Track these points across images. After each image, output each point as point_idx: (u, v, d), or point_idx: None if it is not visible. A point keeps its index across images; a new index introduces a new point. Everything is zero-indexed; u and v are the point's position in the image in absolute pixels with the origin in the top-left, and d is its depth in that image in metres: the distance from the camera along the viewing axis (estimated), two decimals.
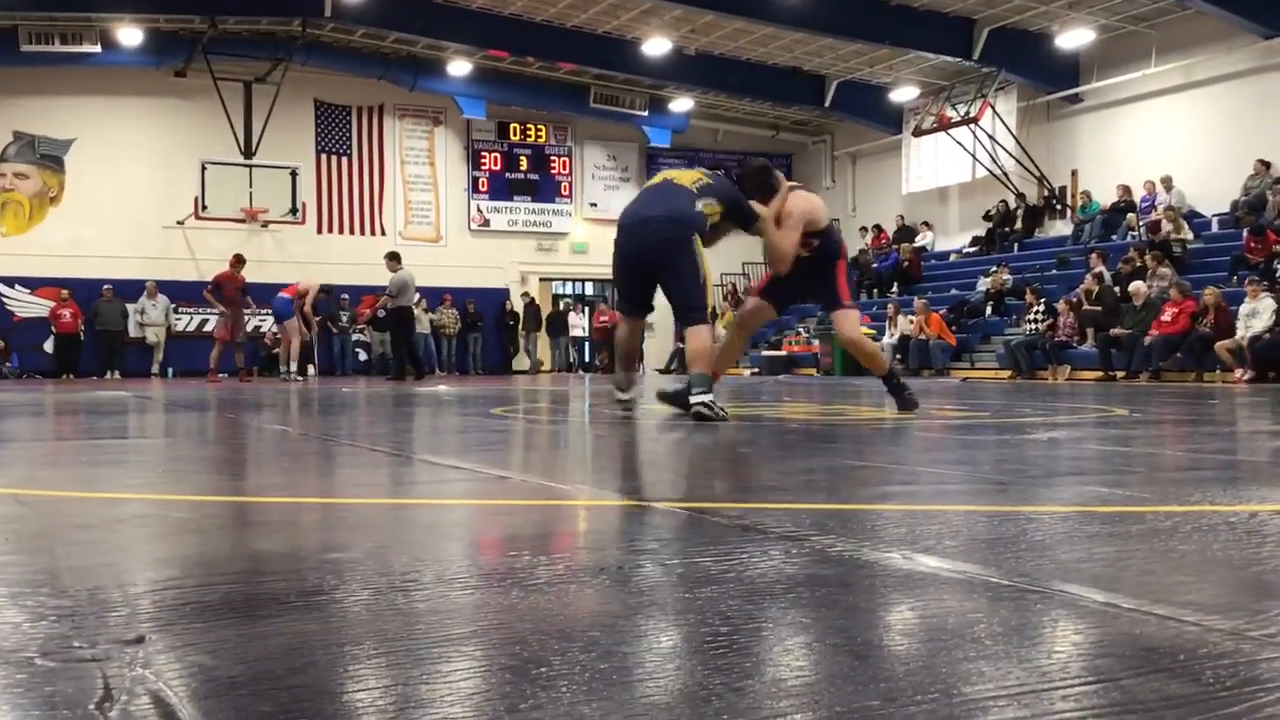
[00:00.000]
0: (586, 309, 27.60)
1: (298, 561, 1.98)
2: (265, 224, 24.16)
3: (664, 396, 6.64)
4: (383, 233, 25.27)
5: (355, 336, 24.11)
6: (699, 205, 6.29)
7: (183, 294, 22.74)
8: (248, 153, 23.03)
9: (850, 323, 6.93)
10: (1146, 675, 1.21)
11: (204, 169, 23.61)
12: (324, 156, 24.98)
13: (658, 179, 6.77)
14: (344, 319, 23.65)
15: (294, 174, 24.38)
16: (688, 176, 6.56)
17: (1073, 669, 1.26)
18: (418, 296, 24.95)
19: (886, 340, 19.21)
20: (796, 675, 1.25)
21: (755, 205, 6.54)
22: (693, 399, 6.13)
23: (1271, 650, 1.31)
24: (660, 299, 6.61)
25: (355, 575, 1.82)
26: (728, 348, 7.43)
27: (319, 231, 24.81)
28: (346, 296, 23.84)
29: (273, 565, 1.96)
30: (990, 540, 2.14)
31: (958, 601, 1.59)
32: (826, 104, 25.16)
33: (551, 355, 27.10)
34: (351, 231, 25.15)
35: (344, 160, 25.17)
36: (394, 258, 17.85)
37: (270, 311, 19.00)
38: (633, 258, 6.51)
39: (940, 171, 24.10)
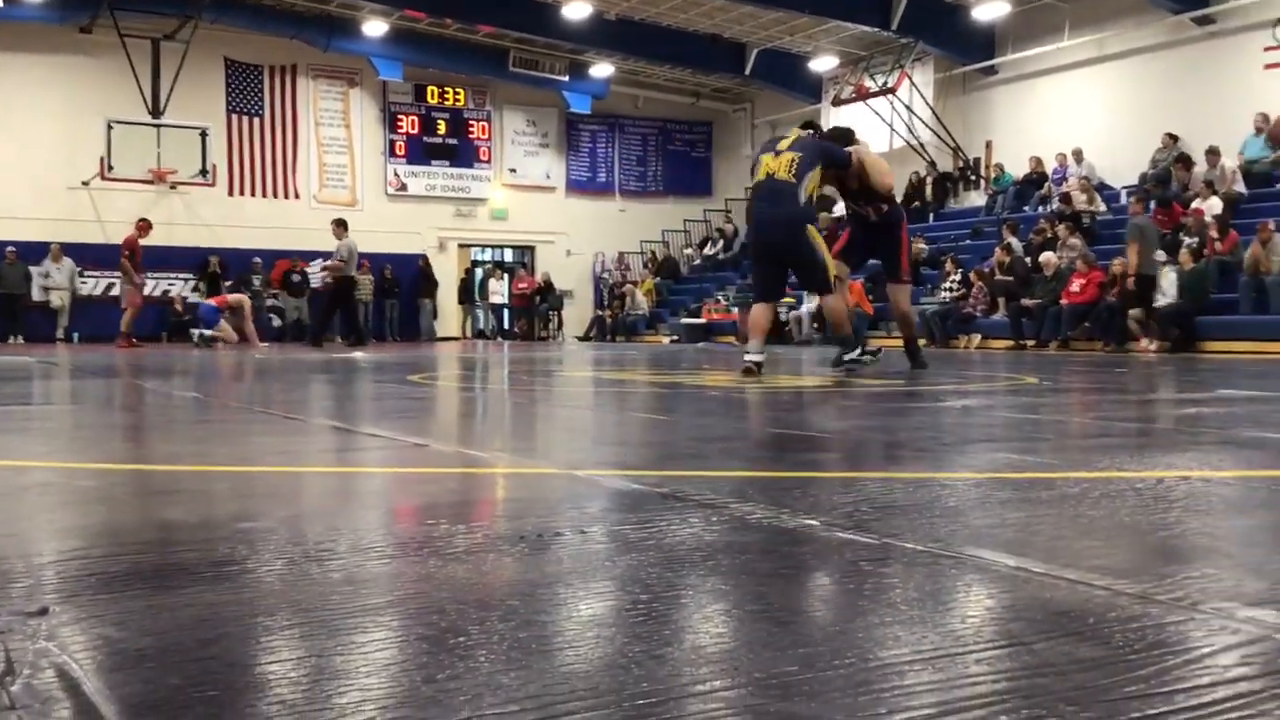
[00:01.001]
0: (506, 275, 27.43)
1: (209, 531, 1.94)
2: (174, 185, 23.58)
3: (834, 363, 7.83)
4: (296, 196, 24.83)
5: (268, 302, 23.68)
6: (804, 193, 7.29)
7: (89, 257, 22.11)
8: (156, 112, 22.39)
9: (903, 296, 8.38)
10: (1057, 639, 1.24)
11: (110, 128, 22.94)
12: (235, 117, 24.42)
13: (762, 174, 7.47)
14: (256, 284, 23.22)
15: (204, 134, 23.80)
16: (783, 164, 7.32)
17: (985, 633, 1.28)
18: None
19: (805, 309, 19.36)
20: (716, 642, 1.25)
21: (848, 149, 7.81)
22: (845, 357, 7.59)
23: (1178, 613, 1.34)
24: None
25: (268, 545, 1.79)
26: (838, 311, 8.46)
27: (230, 194, 24.28)
28: (259, 260, 23.40)
29: (183, 535, 1.91)
30: (905, 506, 2.16)
31: (874, 567, 1.61)
32: (747, 72, 25.19)
33: (463, 322, 26.88)
34: (264, 194, 24.65)
35: (256, 121, 24.62)
36: (341, 224, 17.71)
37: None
38: (763, 256, 7.80)
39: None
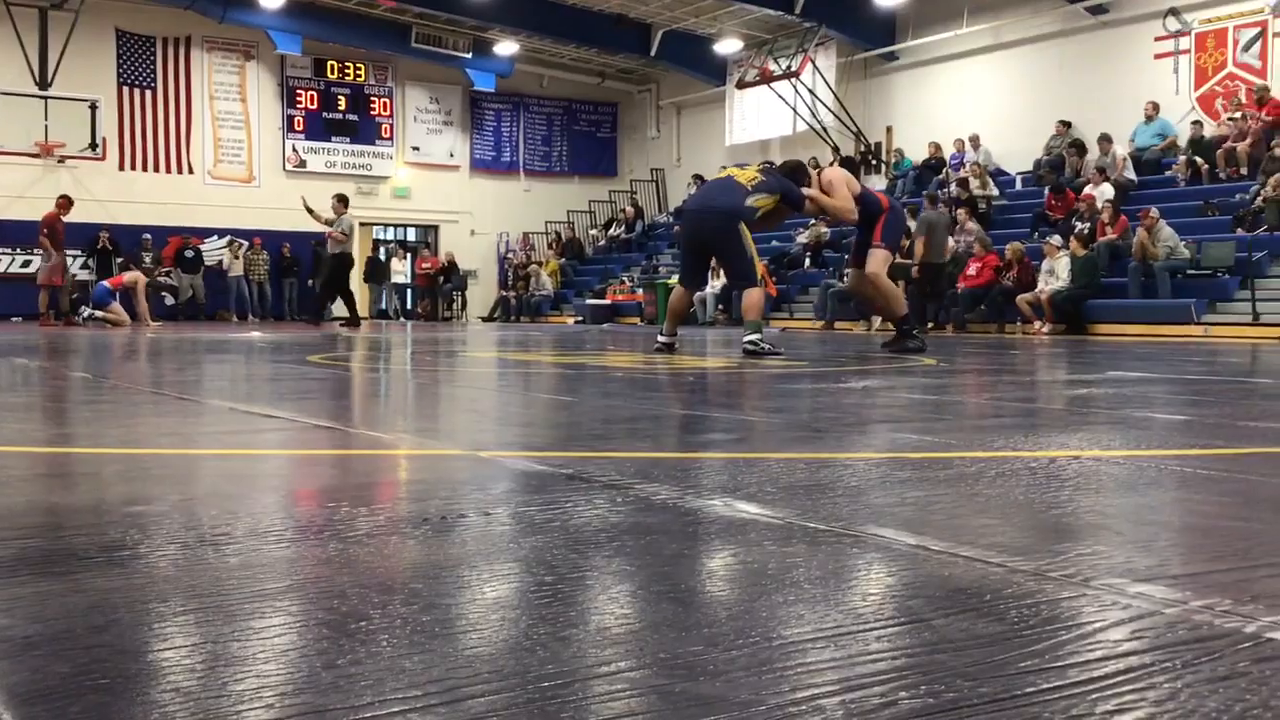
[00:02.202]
0: (409, 255, 27.10)
1: (99, 515, 1.89)
2: (62, 159, 22.83)
3: (746, 353, 7.81)
4: (190, 171, 24.23)
5: (160, 279, 23.07)
6: (751, 200, 7.86)
7: None
8: (43, 83, 21.64)
9: (875, 259, 8.46)
10: (955, 615, 1.26)
11: None
12: (126, 89, 23.70)
13: (722, 174, 8.37)
14: (147, 261, 22.61)
15: (93, 107, 23.07)
16: (746, 174, 8.10)
17: (886, 610, 1.30)
18: (230, 245, 24.13)
19: (709, 290, 19.47)
20: (621, 623, 1.25)
21: (804, 190, 8.24)
22: (745, 339, 7.84)
23: (1071, 590, 1.38)
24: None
25: (161, 529, 1.74)
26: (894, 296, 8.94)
27: (121, 168, 23.59)
28: (149, 237, 22.78)
29: (72, 519, 1.86)
30: (808, 486, 2.19)
31: (777, 547, 1.62)
32: (652, 53, 25.18)
33: (370, 302, 26.52)
34: (156, 169, 23.99)
35: (148, 94, 23.93)
36: (343, 200, 17.24)
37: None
38: (692, 240, 8.33)
39: (762, 124, 24.48)
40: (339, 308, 18.00)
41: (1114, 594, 1.35)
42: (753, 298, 8.09)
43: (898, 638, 1.18)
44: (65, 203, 17.46)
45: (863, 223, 8.57)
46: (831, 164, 8.64)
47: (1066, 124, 18.81)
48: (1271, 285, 14.01)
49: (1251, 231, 14.65)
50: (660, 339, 8.23)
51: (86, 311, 17.66)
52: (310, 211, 17.20)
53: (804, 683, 1.03)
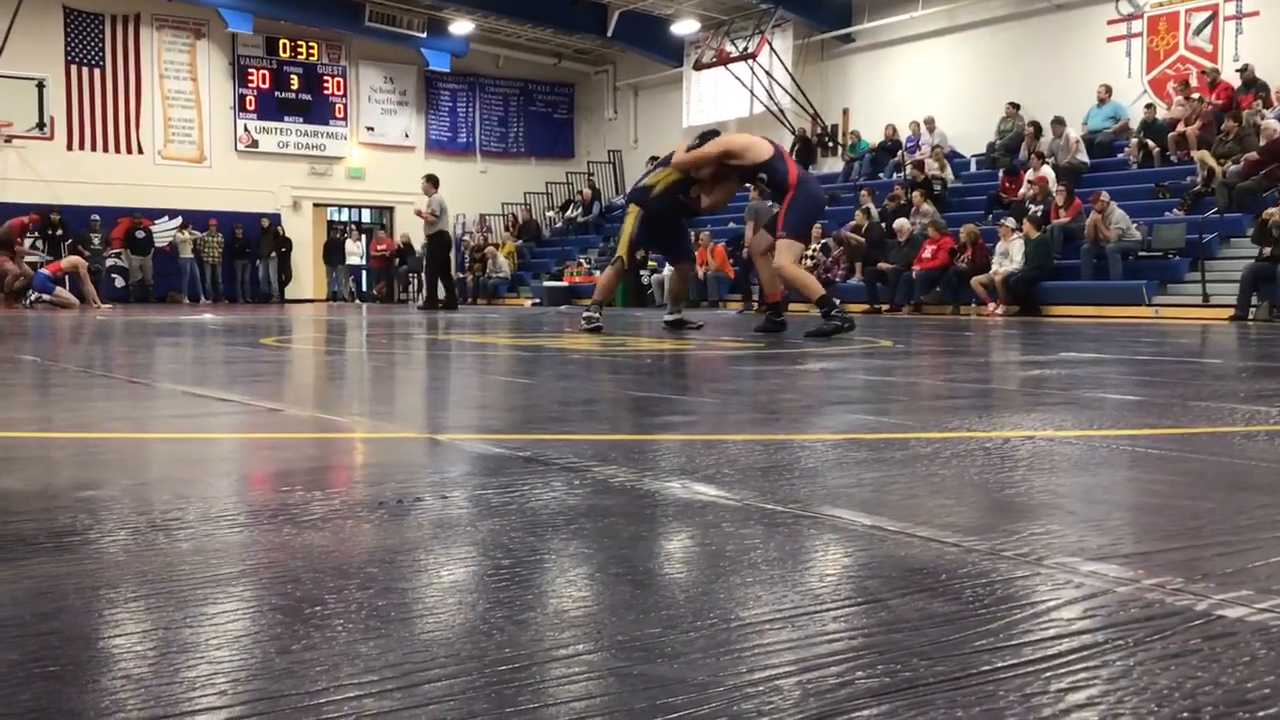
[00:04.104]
0: (364, 236, 26.87)
1: (47, 500, 1.86)
2: (9, 139, 22.44)
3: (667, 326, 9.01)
4: (140, 151, 23.88)
5: (110, 262, 22.75)
6: (645, 179, 8.71)
7: None
8: None
9: (780, 252, 8.13)
10: (911, 595, 1.26)
11: None
12: (74, 68, 23.31)
13: None
14: (95, 242, 22.26)
15: (41, 85, 22.68)
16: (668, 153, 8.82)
17: (843, 591, 1.31)
18: (182, 226, 23.80)
19: (668, 271, 19.44)
20: (579, 606, 1.25)
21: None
22: (667, 318, 9.15)
23: (1025, 569, 1.39)
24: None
25: (112, 514, 1.72)
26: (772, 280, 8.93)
27: (69, 148, 23.21)
28: (98, 218, 22.44)
29: (19, 504, 1.83)
30: (765, 468, 2.19)
31: (735, 528, 1.63)
32: (609, 34, 25.08)
33: (327, 283, 26.32)
34: (105, 149, 23.63)
35: (97, 72, 23.55)
36: (433, 181, 16.99)
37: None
38: None
39: (720, 106, 24.45)
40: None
41: (1067, 573, 1.37)
42: (603, 281, 9.42)
43: (854, 618, 1.18)
44: (38, 218, 17.67)
45: (774, 193, 8.47)
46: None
47: (1015, 106, 18.95)
48: (1221, 267, 14.20)
49: (1192, 214, 14.85)
50: (669, 319, 9.17)
51: (33, 295, 17.42)
52: (419, 214, 17.29)
53: (761, 663, 1.04)
